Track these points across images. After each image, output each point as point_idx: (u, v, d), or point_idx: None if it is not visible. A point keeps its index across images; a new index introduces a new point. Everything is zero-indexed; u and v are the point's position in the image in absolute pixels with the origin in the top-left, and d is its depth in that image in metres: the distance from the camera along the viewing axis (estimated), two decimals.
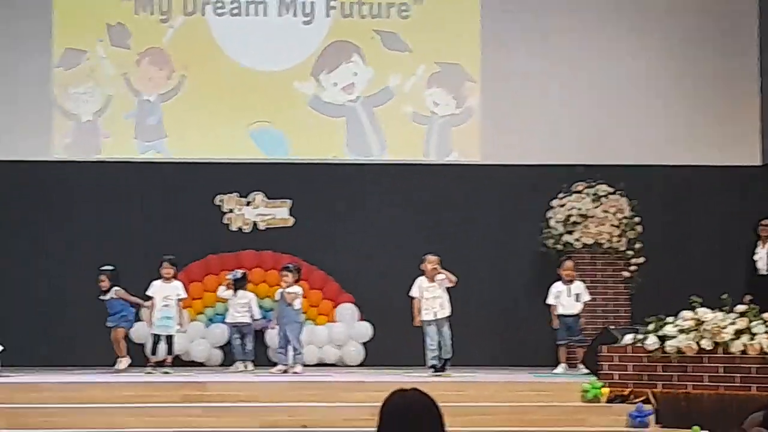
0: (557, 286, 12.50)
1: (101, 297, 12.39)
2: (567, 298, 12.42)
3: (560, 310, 12.40)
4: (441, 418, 4.07)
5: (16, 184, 13.84)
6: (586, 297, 12.49)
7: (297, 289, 12.08)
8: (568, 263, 12.65)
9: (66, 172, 13.95)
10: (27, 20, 13.98)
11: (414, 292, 11.86)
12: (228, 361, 13.01)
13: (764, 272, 12.83)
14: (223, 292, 12.68)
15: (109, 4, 14.19)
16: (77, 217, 13.82)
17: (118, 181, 13.96)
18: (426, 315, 11.81)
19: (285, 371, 11.87)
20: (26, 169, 13.85)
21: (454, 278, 11.83)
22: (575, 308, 12.41)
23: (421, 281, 11.90)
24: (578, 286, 12.50)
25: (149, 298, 12.22)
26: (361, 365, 13.33)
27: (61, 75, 14.08)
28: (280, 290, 12.14)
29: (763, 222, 12.90)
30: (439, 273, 11.79)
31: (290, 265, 12.21)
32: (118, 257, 13.25)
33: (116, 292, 12.33)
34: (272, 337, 12.69)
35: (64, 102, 14.08)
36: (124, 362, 12.24)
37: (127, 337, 12.48)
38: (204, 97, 14.16)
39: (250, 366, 12.47)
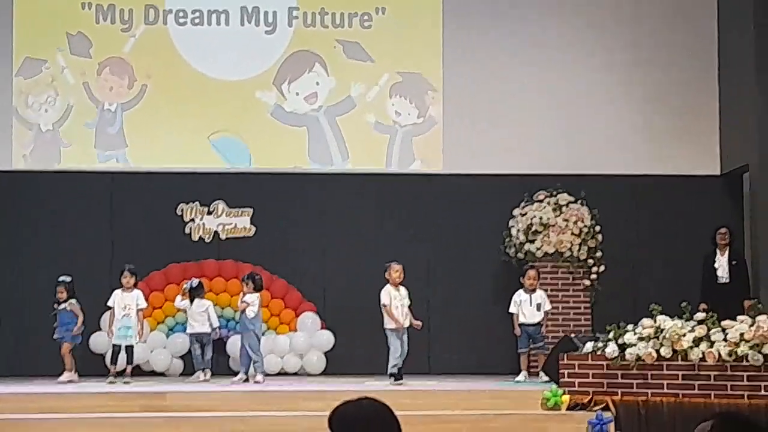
0: (519, 295, 12.54)
1: (56, 306, 12.31)
2: (529, 307, 12.45)
3: (522, 319, 12.44)
4: (397, 425, 3.96)
5: None
6: (548, 306, 12.54)
7: (249, 297, 12.02)
8: (531, 272, 12.68)
9: (26, 182, 13.85)
10: None
11: (384, 299, 11.88)
12: (189, 371, 12.95)
13: (725, 280, 12.94)
14: (179, 302, 12.59)
15: (69, 13, 14.12)
16: (37, 227, 13.73)
17: (78, 191, 13.87)
18: (394, 323, 11.84)
19: (245, 380, 11.82)
20: None
21: (419, 324, 11.92)
22: (537, 317, 12.44)
23: (389, 289, 11.93)
24: (540, 296, 12.53)
25: (109, 308, 12.16)
26: (322, 374, 13.31)
27: (20, 84, 13.99)
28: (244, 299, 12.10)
29: (720, 230, 13.02)
30: (413, 320, 11.86)
31: (245, 276, 12.16)
32: (79, 267, 13.18)
33: (70, 304, 12.26)
34: (233, 346, 12.63)
35: (24, 111, 13.99)
36: (66, 376, 12.10)
37: (72, 352, 12.31)
38: (165, 107, 14.12)
39: (209, 375, 12.39)
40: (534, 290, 12.53)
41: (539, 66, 14.32)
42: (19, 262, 13.65)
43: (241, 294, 12.05)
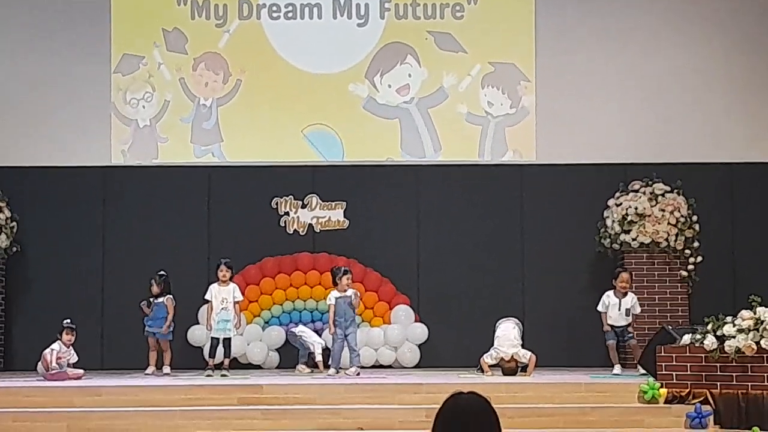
0: (609, 297, 12.16)
1: (151, 300, 12.45)
2: (617, 311, 12.09)
3: (610, 321, 12.17)
4: (497, 421, 4.07)
5: (75, 190, 14.03)
6: (637, 310, 12.17)
7: (355, 292, 12.09)
8: (625, 275, 12.25)
9: (124, 177, 14.11)
10: (85, 27, 14.17)
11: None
12: (285, 364, 13.12)
13: None
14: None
15: (165, 10, 14.33)
16: (135, 222, 13.98)
17: (175, 185, 14.09)
18: None
19: (336, 373, 11.83)
20: (85, 174, 14.04)
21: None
22: (624, 321, 12.13)
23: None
24: (630, 300, 12.14)
25: (206, 301, 12.31)
26: (416, 367, 13.33)
27: (118, 80, 14.25)
28: (334, 293, 11.98)
29: None
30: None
31: (338, 270, 12.09)
32: (176, 260, 13.40)
33: (168, 299, 12.41)
34: (327, 339, 12.64)
35: (122, 107, 14.25)
36: (150, 369, 12.34)
37: (160, 347, 12.42)
38: (259, 101, 14.26)
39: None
40: (625, 294, 12.19)
41: (632, 53, 14.14)
42: (117, 256, 13.91)
43: (346, 287, 11.88)
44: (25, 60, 14.09)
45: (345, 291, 11.88)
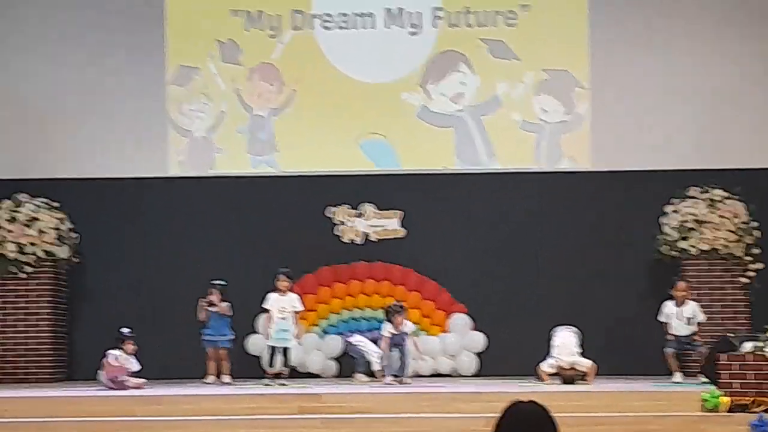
0: (669, 307, 12.04)
1: (210, 309, 12.52)
2: (677, 320, 11.99)
3: (672, 330, 12.05)
4: (556, 430, 4.09)
5: (132, 201, 14.15)
6: (700, 317, 12.04)
7: (412, 326, 12.24)
8: (681, 284, 12.17)
9: (181, 188, 14.21)
10: (140, 38, 14.29)
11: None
12: (344, 373, 13.15)
13: None
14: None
15: (219, 21, 14.44)
16: (192, 232, 14.07)
17: (231, 196, 14.17)
18: None
19: (395, 379, 11.84)
20: (143, 185, 14.16)
21: None
22: (687, 330, 12.00)
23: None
24: (690, 309, 12.03)
25: (264, 310, 12.36)
26: (475, 376, 13.31)
27: (174, 92, 14.36)
28: (390, 328, 11.97)
29: None
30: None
31: (399, 305, 12.17)
32: (232, 271, 13.44)
33: (224, 306, 12.49)
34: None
35: (178, 118, 14.36)
36: (210, 379, 12.46)
37: (218, 356, 12.58)
38: (314, 111, 14.31)
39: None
40: (684, 302, 12.07)
41: (688, 59, 14.03)
42: (173, 266, 14.00)
43: (402, 326, 12.01)
44: (84, 72, 14.21)
45: (400, 327, 11.96)
